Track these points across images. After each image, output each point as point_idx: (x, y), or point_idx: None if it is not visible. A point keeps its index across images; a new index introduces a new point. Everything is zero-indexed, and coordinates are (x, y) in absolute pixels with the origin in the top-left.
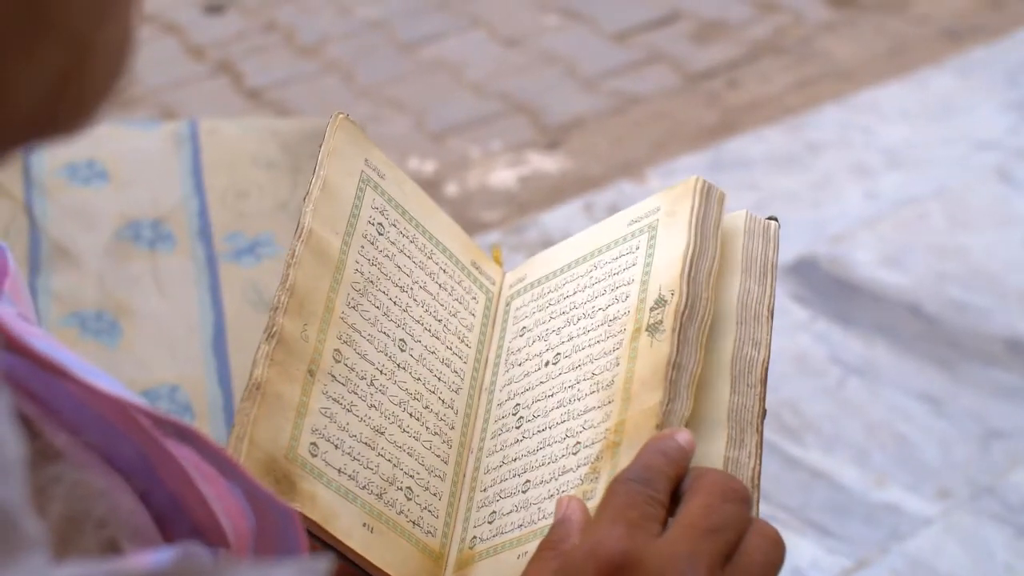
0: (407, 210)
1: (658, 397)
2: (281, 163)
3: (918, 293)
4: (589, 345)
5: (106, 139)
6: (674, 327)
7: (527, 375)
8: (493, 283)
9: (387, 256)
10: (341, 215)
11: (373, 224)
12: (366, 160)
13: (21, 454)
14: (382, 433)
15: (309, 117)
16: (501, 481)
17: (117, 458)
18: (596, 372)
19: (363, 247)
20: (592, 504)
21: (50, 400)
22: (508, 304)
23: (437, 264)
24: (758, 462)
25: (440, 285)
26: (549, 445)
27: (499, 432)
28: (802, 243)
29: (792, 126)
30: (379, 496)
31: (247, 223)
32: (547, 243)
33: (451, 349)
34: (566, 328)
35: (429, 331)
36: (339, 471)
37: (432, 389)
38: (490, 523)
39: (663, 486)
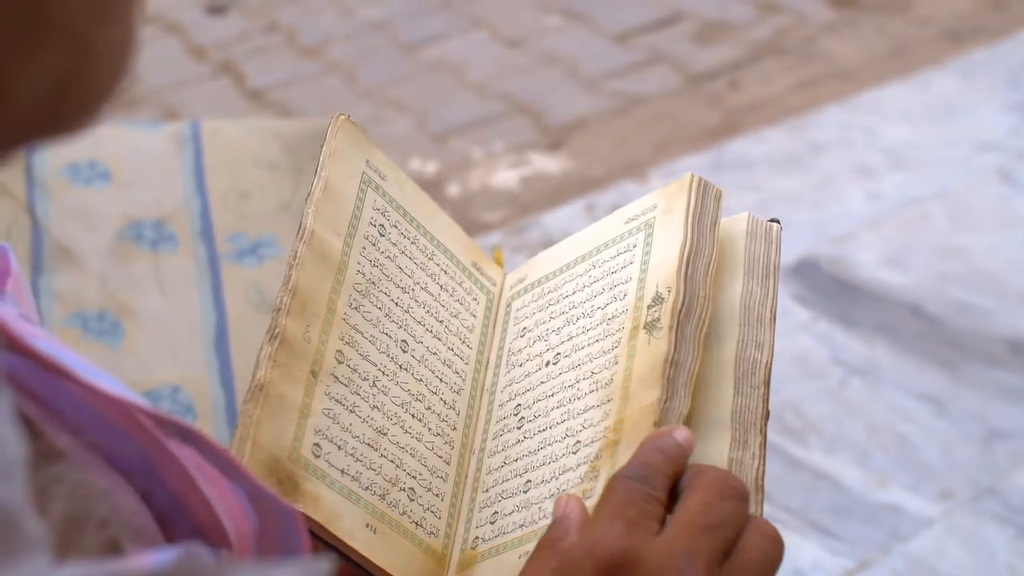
0: (408, 211)
1: (656, 395)
2: (283, 164)
3: (920, 294)
4: (588, 344)
5: (108, 139)
6: (671, 324)
7: (528, 375)
8: (494, 284)
9: (389, 257)
10: (343, 216)
11: (375, 225)
12: (367, 161)
13: (22, 454)
14: (384, 434)
15: (311, 118)
16: (503, 481)
17: (119, 458)
18: (595, 371)
19: (365, 248)
20: (591, 503)
21: (52, 400)
22: (509, 305)
23: (438, 265)
24: (762, 463)
25: (441, 286)
26: (550, 445)
27: (501, 433)
28: (804, 244)
29: (794, 127)
30: (382, 497)
31: (249, 224)
32: (549, 244)
33: (452, 350)
34: (566, 328)
35: (431, 332)
36: (342, 472)
37: (434, 390)
38: (492, 523)
39: (661, 484)
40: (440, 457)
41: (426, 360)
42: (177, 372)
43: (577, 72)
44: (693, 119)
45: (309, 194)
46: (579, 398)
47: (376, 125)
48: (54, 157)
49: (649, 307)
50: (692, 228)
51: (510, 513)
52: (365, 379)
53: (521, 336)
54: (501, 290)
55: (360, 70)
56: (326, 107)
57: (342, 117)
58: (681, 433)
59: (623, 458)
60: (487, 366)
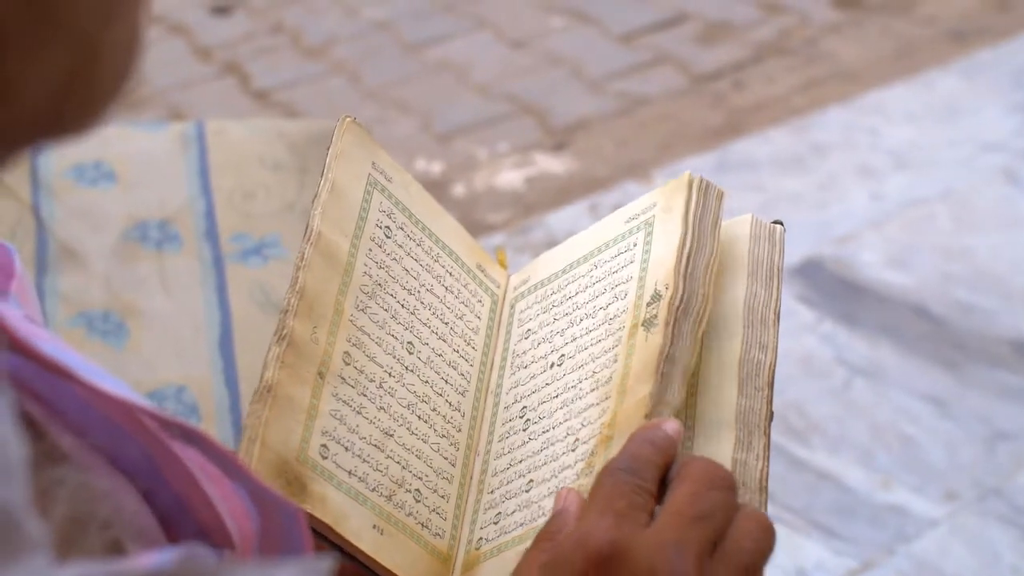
0: (413, 213)
1: (648, 388)
2: (288, 164)
3: (924, 294)
4: (591, 344)
5: (113, 140)
6: (668, 320)
7: (533, 377)
8: (498, 286)
9: (394, 259)
10: (349, 218)
11: (381, 227)
12: (373, 163)
13: (23, 455)
14: (391, 435)
15: (316, 118)
16: (507, 483)
17: (122, 459)
18: (596, 370)
19: (371, 250)
20: None
21: (56, 401)
22: (513, 307)
23: (443, 267)
24: (766, 464)
25: (447, 288)
26: (552, 444)
27: (507, 435)
28: (808, 244)
29: (798, 127)
30: (388, 498)
31: (254, 224)
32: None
33: (458, 352)
34: (569, 329)
35: (436, 334)
36: (349, 473)
37: (439, 392)
38: (495, 524)
39: (651, 475)
40: (445, 459)
41: (431, 362)
42: (181, 372)
43: (581, 73)
44: (697, 119)
45: (316, 195)
46: (581, 398)
47: (380, 125)
48: (59, 158)
49: (648, 305)
50: (691, 226)
51: (512, 513)
52: (372, 381)
53: (525, 338)
54: (505, 292)
55: (365, 71)
56: (331, 107)
57: (348, 119)
58: (671, 425)
59: (616, 453)
60: (492, 368)
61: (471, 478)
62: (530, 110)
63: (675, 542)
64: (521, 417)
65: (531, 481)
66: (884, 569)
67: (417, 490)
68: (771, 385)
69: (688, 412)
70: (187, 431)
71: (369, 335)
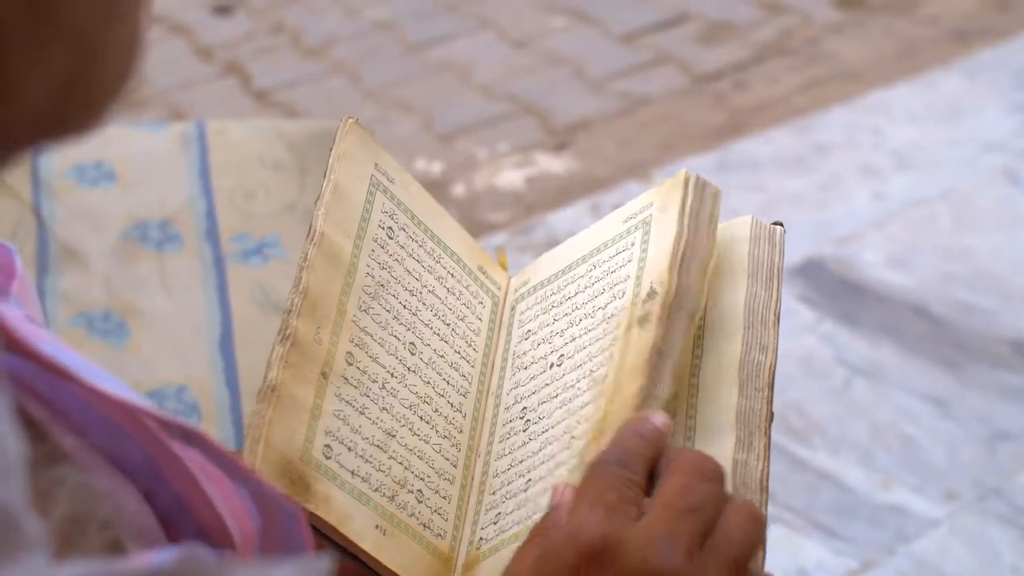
0: (415, 214)
1: (640, 383)
2: (288, 164)
3: (925, 294)
4: (590, 344)
5: (114, 140)
6: (661, 316)
7: (533, 378)
8: (499, 288)
9: (397, 260)
10: (352, 219)
11: (383, 228)
12: (376, 164)
13: (21, 454)
14: (393, 436)
15: (316, 118)
16: (508, 483)
17: (123, 460)
18: (594, 369)
19: (374, 251)
20: None
21: (57, 402)
22: (513, 308)
23: (445, 268)
24: (766, 464)
25: (448, 289)
26: (550, 444)
27: (507, 436)
28: (809, 244)
29: (799, 127)
30: (391, 499)
31: (254, 224)
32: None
33: (459, 353)
34: (569, 329)
35: (438, 335)
36: (352, 473)
37: (441, 393)
38: (495, 524)
39: (640, 468)
40: (447, 460)
41: (433, 363)
42: (182, 372)
43: (583, 73)
44: (698, 120)
45: (319, 196)
46: (578, 396)
47: (381, 125)
48: (60, 158)
49: (644, 302)
50: (686, 224)
51: (511, 512)
52: (374, 381)
53: (525, 339)
54: (506, 294)
55: (365, 70)
56: (331, 107)
57: (351, 120)
58: (659, 417)
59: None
60: (492, 370)
61: (472, 479)
62: (531, 110)
63: (665, 535)
64: (521, 418)
65: (529, 480)
66: (884, 569)
67: (419, 491)
68: (771, 386)
69: (689, 412)
70: (187, 432)
71: (372, 336)
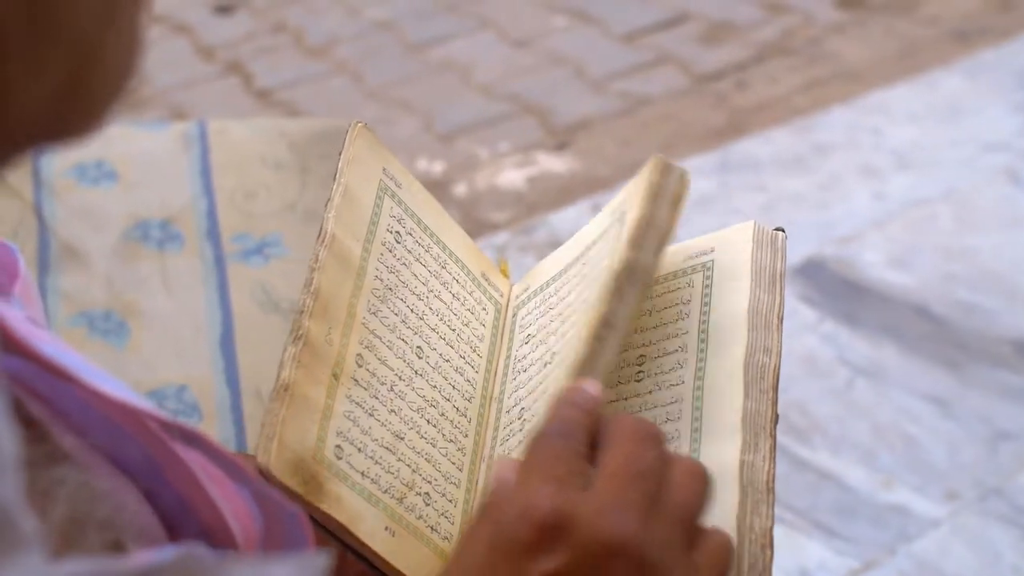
0: (422, 219)
1: (584, 352)
2: (289, 164)
3: (926, 294)
4: (574, 337)
5: (115, 140)
6: (612, 289)
7: (530, 379)
8: (501, 295)
9: (404, 264)
10: (361, 222)
11: (391, 232)
12: (384, 169)
13: (16, 452)
14: (402, 438)
15: (318, 118)
16: None
17: (123, 460)
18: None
19: (382, 254)
20: None
21: (57, 402)
22: (515, 315)
23: (450, 274)
24: (772, 465)
25: (453, 295)
26: None
27: (508, 437)
28: (810, 244)
29: (800, 127)
30: (400, 500)
31: (255, 224)
32: (555, 244)
33: (464, 358)
34: (561, 327)
35: (444, 340)
36: (362, 474)
37: (447, 397)
38: None
39: (583, 438)
40: (453, 463)
41: (440, 367)
42: (183, 372)
43: (583, 72)
44: (699, 119)
45: (329, 199)
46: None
47: (383, 125)
48: (61, 158)
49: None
50: (648, 203)
51: None
52: (383, 383)
53: (526, 343)
54: (508, 301)
55: (367, 70)
56: (333, 107)
57: (359, 124)
58: (591, 385)
59: None
60: (495, 375)
61: (476, 483)
62: (532, 110)
63: (617, 504)
64: (520, 418)
65: None
66: (885, 569)
67: (427, 493)
68: (776, 388)
69: (695, 415)
70: (187, 433)
71: (380, 338)
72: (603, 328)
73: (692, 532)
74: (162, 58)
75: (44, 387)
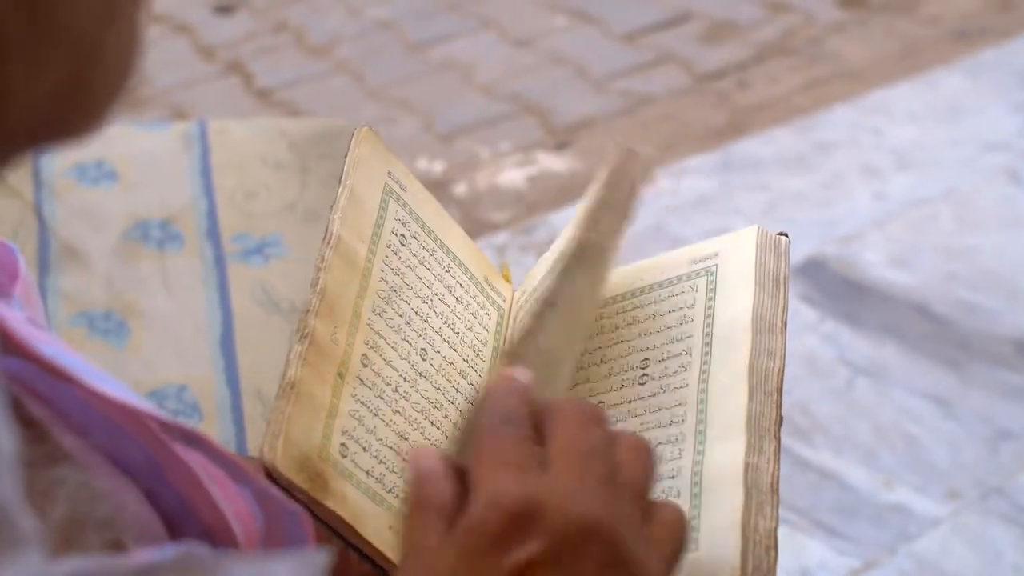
0: (426, 223)
1: (524, 330)
2: (290, 164)
3: (927, 294)
4: None
5: (115, 140)
6: (557, 269)
7: None
8: (503, 300)
9: (409, 267)
10: (367, 224)
11: (396, 235)
12: (389, 172)
13: (14, 451)
14: (406, 439)
15: (318, 118)
16: None
17: (124, 460)
18: None
19: (387, 257)
20: None
21: (57, 402)
22: (515, 319)
23: (454, 278)
24: (776, 467)
25: (457, 299)
26: None
27: None
28: (811, 244)
29: (801, 127)
30: (404, 501)
31: (255, 223)
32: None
33: (467, 361)
34: None
35: (448, 343)
36: (367, 473)
37: (451, 399)
38: None
39: (527, 423)
40: None
41: (443, 370)
42: (183, 372)
43: (584, 72)
44: (700, 119)
45: (335, 201)
46: None
47: (383, 125)
48: (61, 158)
49: None
50: (604, 185)
51: None
52: (388, 384)
53: None
54: (510, 306)
55: (367, 70)
56: (333, 107)
57: (364, 128)
58: (521, 372)
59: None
60: None
61: None
62: (532, 109)
63: (581, 486)
64: None
65: None
66: (887, 568)
67: None
68: (780, 391)
69: (699, 417)
70: (188, 434)
71: (385, 339)
72: (542, 305)
73: (646, 507)
74: (162, 58)
75: (44, 387)
